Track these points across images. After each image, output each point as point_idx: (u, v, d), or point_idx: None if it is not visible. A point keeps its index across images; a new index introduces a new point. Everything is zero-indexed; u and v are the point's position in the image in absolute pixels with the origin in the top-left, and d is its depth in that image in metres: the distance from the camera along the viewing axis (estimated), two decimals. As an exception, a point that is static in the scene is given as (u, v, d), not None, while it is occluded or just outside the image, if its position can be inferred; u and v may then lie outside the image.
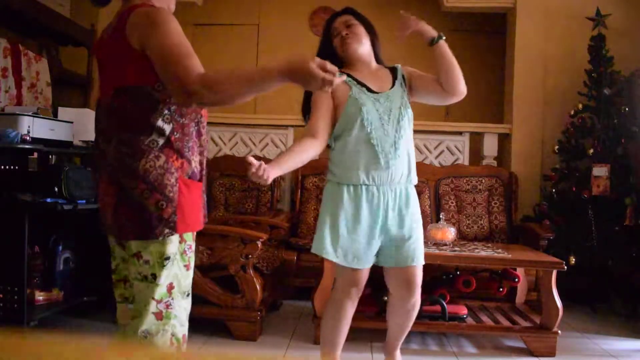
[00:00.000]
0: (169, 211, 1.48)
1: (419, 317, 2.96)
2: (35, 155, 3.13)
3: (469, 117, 4.82)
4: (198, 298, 2.97)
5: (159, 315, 1.51)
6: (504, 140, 4.64)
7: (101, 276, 3.29)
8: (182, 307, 1.57)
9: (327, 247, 2.06)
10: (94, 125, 1.62)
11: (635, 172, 3.89)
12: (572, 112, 4.15)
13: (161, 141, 1.49)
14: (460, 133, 4.60)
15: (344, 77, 1.72)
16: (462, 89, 2.09)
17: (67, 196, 2.80)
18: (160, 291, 1.50)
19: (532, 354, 2.90)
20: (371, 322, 2.97)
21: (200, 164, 1.59)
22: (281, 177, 4.44)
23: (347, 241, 2.06)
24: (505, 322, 3.04)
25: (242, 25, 5.68)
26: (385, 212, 2.08)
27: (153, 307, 1.50)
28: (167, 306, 1.52)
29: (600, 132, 4.02)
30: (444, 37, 2.08)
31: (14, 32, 3.96)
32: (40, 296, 2.92)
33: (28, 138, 2.80)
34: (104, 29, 1.63)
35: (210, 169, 4.41)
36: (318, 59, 1.37)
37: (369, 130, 2.04)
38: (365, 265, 2.12)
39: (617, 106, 4.00)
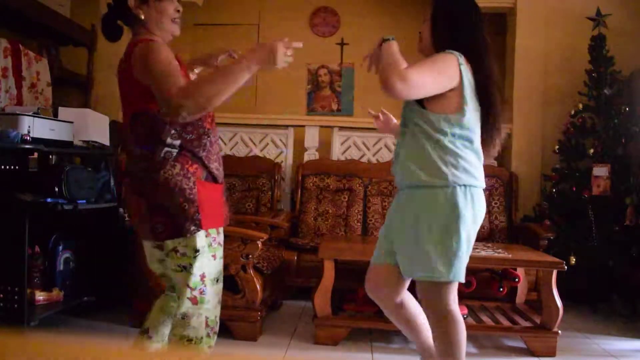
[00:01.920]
0: (192, 211, 1.70)
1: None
2: (36, 155, 3.12)
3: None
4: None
5: (194, 300, 1.75)
6: (504, 140, 4.64)
7: (101, 276, 3.30)
8: (214, 293, 1.80)
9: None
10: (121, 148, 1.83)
11: (635, 172, 3.89)
12: (572, 112, 4.15)
13: (175, 152, 1.72)
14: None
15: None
16: (384, 85, 1.80)
17: (67, 196, 2.80)
18: (194, 280, 1.73)
19: (532, 354, 2.90)
20: (371, 322, 2.97)
21: (217, 169, 1.80)
22: (281, 177, 4.44)
23: None
24: (506, 322, 3.04)
25: (242, 25, 5.67)
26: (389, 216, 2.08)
27: (189, 293, 1.74)
28: (201, 292, 1.76)
29: (600, 132, 4.02)
30: (390, 39, 1.91)
31: (14, 32, 3.95)
32: (40, 296, 2.92)
33: (28, 138, 2.79)
34: (120, 58, 1.84)
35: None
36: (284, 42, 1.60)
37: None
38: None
39: (617, 106, 4.00)
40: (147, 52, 1.68)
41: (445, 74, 1.85)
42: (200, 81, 1.63)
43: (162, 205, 1.71)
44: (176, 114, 1.61)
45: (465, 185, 1.85)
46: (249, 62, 1.65)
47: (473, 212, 1.86)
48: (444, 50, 1.91)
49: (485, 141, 1.96)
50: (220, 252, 1.82)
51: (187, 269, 1.73)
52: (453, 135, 1.86)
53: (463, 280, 1.90)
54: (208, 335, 1.79)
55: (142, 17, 1.77)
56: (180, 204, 1.69)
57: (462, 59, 1.88)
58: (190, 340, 1.76)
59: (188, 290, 1.74)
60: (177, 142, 1.71)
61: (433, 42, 1.98)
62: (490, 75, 1.94)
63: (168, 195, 1.69)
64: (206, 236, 1.76)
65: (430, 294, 1.94)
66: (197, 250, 1.72)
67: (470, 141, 1.89)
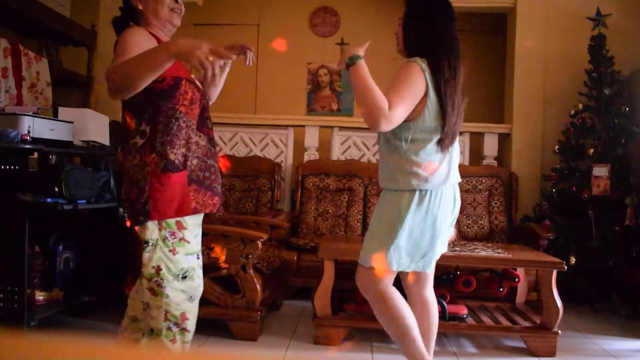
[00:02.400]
0: (142, 202, 1.72)
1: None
2: (36, 155, 3.13)
3: (469, 117, 4.79)
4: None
5: (152, 292, 1.76)
6: (504, 140, 4.64)
7: (101, 276, 3.30)
8: (177, 289, 1.77)
9: None
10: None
11: (635, 172, 3.89)
12: (572, 112, 4.15)
13: (140, 142, 1.74)
14: (460, 133, 4.59)
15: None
16: (371, 126, 1.87)
17: (67, 196, 2.80)
18: (148, 270, 1.75)
19: (532, 354, 2.90)
20: (371, 322, 2.97)
21: (184, 155, 1.77)
22: (281, 177, 4.44)
23: None
24: (506, 322, 3.04)
25: (242, 25, 5.68)
26: None
27: (145, 283, 1.76)
28: (158, 285, 1.75)
29: (600, 132, 4.02)
30: (354, 62, 1.89)
31: (14, 32, 3.96)
32: (40, 296, 2.92)
33: (28, 138, 2.79)
34: None
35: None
36: (208, 48, 1.52)
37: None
38: None
39: (617, 106, 4.00)
40: (118, 41, 1.73)
41: (417, 92, 1.93)
42: (119, 64, 1.62)
43: (126, 194, 1.79)
44: (109, 91, 1.65)
45: (414, 190, 1.99)
46: (169, 46, 1.58)
47: (426, 212, 1.99)
48: (414, 53, 2.00)
49: (444, 141, 2.03)
50: (184, 249, 1.78)
51: (141, 259, 1.76)
52: (412, 141, 1.97)
53: (394, 269, 2.03)
54: (169, 329, 1.77)
55: (140, 8, 1.81)
56: (135, 194, 1.74)
57: (424, 65, 1.95)
58: (152, 330, 1.79)
59: (144, 279, 1.76)
60: (148, 128, 1.74)
61: (405, 44, 2.07)
62: (451, 77, 1.99)
63: (128, 186, 1.77)
64: (160, 229, 1.74)
65: (363, 277, 2.13)
66: (145, 242, 1.73)
67: (429, 142, 1.98)
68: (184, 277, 1.78)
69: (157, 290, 1.74)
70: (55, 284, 3.09)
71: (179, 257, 1.76)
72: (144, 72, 1.59)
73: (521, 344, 2.99)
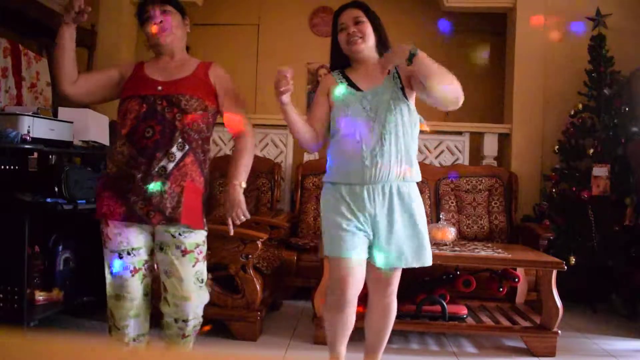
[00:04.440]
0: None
1: (418, 317, 2.97)
2: (35, 155, 3.12)
3: (469, 117, 4.82)
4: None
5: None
6: (504, 140, 4.64)
7: (101, 276, 3.29)
8: (110, 286, 2.01)
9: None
10: None
11: (635, 172, 3.89)
12: (572, 112, 4.15)
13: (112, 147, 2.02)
14: (460, 133, 4.61)
15: None
16: (456, 104, 1.95)
17: (67, 196, 2.80)
18: None
19: (532, 354, 2.90)
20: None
21: (121, 162, 1.95)
22: (281, 177, 4.44)
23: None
24: (505, 322, 3.04)
25: (242, 25, 5.68)
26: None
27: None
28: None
29: (600, 132, 4.02)
30: (417, 52, 1.91)
31: (14, 32, 3.96)
32: (40, 296, 2.91)
33: (28, 138, 2.79)
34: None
35: (211, 169, 4.39)
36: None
37: (353, 130, 2.03)
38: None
39: (617, 106, 4.00)
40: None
41: None
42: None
43: None
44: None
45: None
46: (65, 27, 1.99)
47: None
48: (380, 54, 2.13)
49: None
50: (110, 246, 1.97)
51: None
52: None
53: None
54: (117, 329, 1.99)
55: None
56: None
57: None
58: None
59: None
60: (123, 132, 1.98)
61: (377, 43, 2.14)
62: None
63: None
64: (103, 226, 1.99)
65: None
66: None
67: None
68: (111, 274, 1.99)
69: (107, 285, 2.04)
70: (55, 284, 3.09)
71: (107, 253, 1.99)
72: (62, 62, 2.01)
73: (521, 344, 2.99)
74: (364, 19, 2.10)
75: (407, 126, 2.05)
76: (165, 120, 1.93)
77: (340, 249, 2.02)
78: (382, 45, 2.13)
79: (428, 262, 2.10)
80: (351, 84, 2.11)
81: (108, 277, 1.99)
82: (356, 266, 2.03)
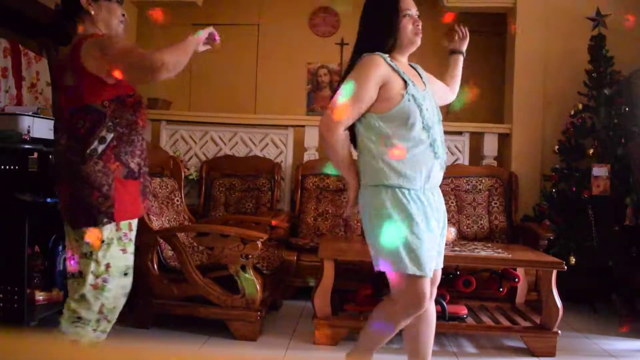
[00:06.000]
0: (107, 205, 1.86)
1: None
2: (35, 155, 3.12)
3: (469, 117, 4.82)
4: (198, 298, 2.97)
5: (95, 286, 1.91)
6: (504, 140, 4.64)
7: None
8: (119, 285, 1.96)
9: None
10: (54, 135, 2.01)
11: (635, 172, 3.89)
12: (572, 112, 4.15)
13: (100, 149, 1.86)
14: (460, 133, 4.61)
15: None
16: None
17: (67, 196, 2.80)
18: (99, 268, 1.89)
19: (532, 354, 2.90)
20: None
21: (139, 165, 1.96)
22: (281, 177, 4.44)
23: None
24: (505, 322, 3.04)
25: (242, 25, 5.67)
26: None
27: (91, 279, 1.89)
28: (104, 281, 1.91)
29: (600, 132, 4.02)
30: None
31: (14, 32, 3.95)
32: (40, 296, 2.91)
33: (28, 138, 2.79)
34: (63, 54, 1.98)
35: (210, 169, 4.40)
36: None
37: (427, 132, 1.94)
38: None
39: (617, 106, 4.00)
40: (104, 42, 1.85)
41: None
42: (172, 47, 1.81)
43: (81, 196, 1.87)
44: (159, 70, 1.76)
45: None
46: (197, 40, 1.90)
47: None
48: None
49: None
50: (131, 248, 1.97)
51: (91, 257, 1.89)
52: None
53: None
54: (98, 321, 1.94)
55: (92, 13, 1.93)
56: (97, 198, 1.86)
57: None
58: (80, 318, 1.91)
59: (91, 276, 1.89)
60: (110, 136, 1.88)
61: None
62: None
63: (87, 188, 1.86)
64: (116, 230, 1.91)
65: None
66: (102, 241, 1.88)
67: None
68: (126, 274, 1.98)
69: (101, 285, 1.91)
70: (55, 284, 3.09)
71: (127, 255, 1.96)
72: (186, 59, 1.83)
73: (521, 344, 2.99)
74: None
75: None
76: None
77: (424, 267, 1.91)
78: None
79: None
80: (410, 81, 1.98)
81: (124, 279, 1.98)
82: None
